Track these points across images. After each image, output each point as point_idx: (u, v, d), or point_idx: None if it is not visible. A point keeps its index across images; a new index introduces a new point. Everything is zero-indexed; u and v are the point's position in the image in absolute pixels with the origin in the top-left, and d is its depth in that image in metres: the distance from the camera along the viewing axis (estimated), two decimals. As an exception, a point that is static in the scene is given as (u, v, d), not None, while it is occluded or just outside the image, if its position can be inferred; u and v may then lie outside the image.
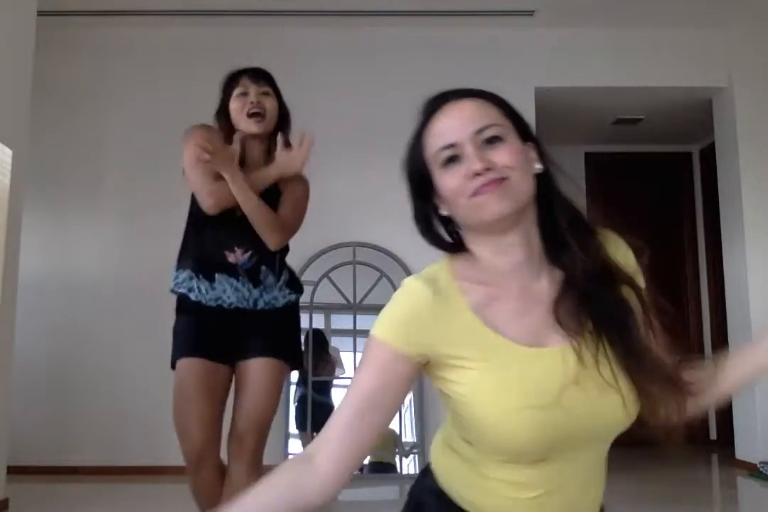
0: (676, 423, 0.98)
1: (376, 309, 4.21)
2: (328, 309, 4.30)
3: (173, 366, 2.04)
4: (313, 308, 4.20)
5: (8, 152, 3.12)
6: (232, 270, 2.03)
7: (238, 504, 0.96)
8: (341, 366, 4.25)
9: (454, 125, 1.00)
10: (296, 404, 4.10)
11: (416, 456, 4.06)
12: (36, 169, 3.93)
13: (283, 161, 2.13)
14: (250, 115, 2.10)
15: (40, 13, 3.52)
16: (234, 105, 2.12)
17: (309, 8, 4.31)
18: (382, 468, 4.13)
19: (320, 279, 4.21)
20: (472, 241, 1.05)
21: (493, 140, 0.99)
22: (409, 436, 4.10)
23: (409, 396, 4.09)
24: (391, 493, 3.93)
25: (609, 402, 0.96)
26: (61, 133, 4.41)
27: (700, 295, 5.57)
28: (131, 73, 4.51)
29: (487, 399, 0.97)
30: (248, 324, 2.04)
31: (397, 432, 4.11)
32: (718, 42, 4.53)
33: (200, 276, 2.03)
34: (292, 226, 2.14)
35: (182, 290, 2.07)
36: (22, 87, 3.37)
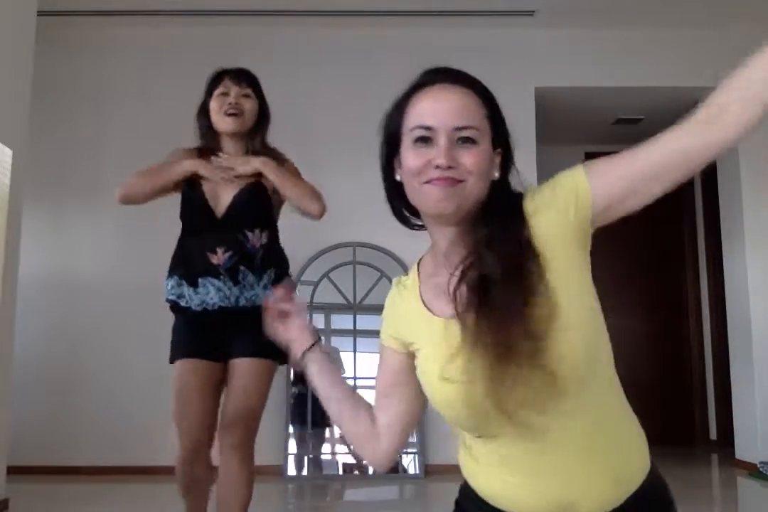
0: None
1: (376, 309, 4.22)
2: (328, 309, 4.30)
3: (171, 362, 2.16)
4: (313, 308, 4.20)
5: (8, 152, 3.12)
6: (215, 272, 2.10)
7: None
8: (341, 365, 4.25)
9: (438, 111, 1.03)
10: (292, 401, 4.10)
11: (416, 456, 4.06)
12: (36, 169, 3.93)
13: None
14: (228, 115, 2.18)
15: (40, 13, 3.52)
16: (214, 104, 2.20)
17: (309, 8, 4.31)
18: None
19: (320, 280, 4.21)
20: (425, 220, 1.11)
21: (466, 140, 1.02)
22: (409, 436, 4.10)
23: (409, 396, 4.09)
24: (392, 493, 3.93)
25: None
26: (61, 133, 4.41)
27: (700, 296, 5.57)
28: (131, 73, 4.51)
29: (425, 378, 1.07)
30: (234, 323, 2.12)
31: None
32: (717, 42, 4.53)
33: (186, 283, 2.13)
34: (318, 192, 2.23)
35: (172, 297, 2.18)
36: (22, 87, 3.37)
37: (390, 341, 1.16)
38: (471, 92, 1.05)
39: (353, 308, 4.19)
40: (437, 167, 1.00)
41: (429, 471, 4.03)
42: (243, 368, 2.09)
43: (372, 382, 4.68)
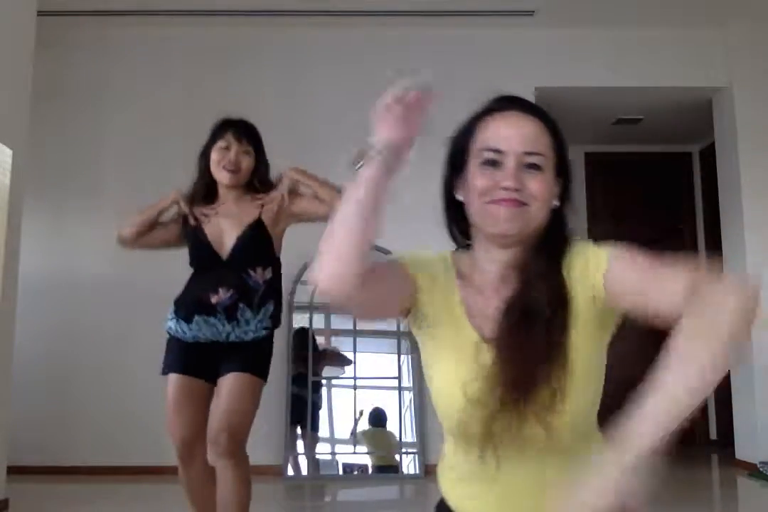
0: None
1: (376, 309, 4.22)
2: (328, 309, 4.29)
3: (164, 374, 2.35)
4: (313, 308, 4.20)
5: (8, 152, 3.12)
6: (210, 310, 2.24)
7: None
8: (340, 363, 4.25)
9: (510, 136, 1.08)
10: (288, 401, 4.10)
11: (416, 456, 4.06)
12: (36, 169, 3.92)
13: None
14: (226, 170, 2.33)
15: (40, 13, 3.51)
16: (215, 156, 2.35)
17: (309, 8, 4.31)
18: (384, 469, 4.14)
19: (320, 280, 4.20)
20: (477, 241, 1.14)
21: (533, 166, 1.07)
22: (409, 436, 4.10)
23: (409, 396, 4.10)
24: (391, 493, 3.93)
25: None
26: (61, 133, 4.41)
27: (700, 295, 5.56)
28: (131, 73, 4.51)
29: (440, 383, 1.10)
30: (222, 351, 2.28)
31: (397, 432, 4.11)
32: (717, 42, 4.54)
33: (179, 319, 2.30)
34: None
35: (166, 328, 2.37)
36: (22, 87, 3.37)
37: (412, 276, 1.12)
38: (540, 122, 1.10)
39: (353, 308, 4.18)
40: (504, 189, 1.05)
41: (429, 471, 4.02)
42: (229, 383, 2.21)
43: (372, 382, 4.67)
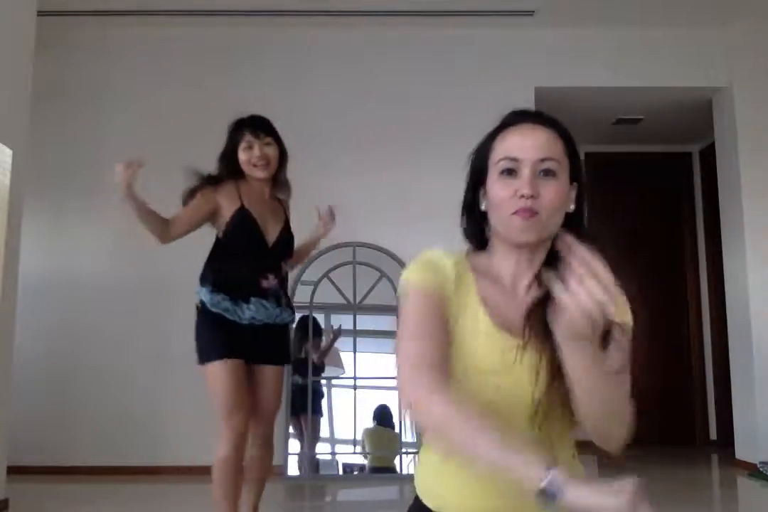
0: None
1: (376, 309, 4.23)
2: (328, 309, 4.30)
3: (202, 362, 2.42)
4: (313, 308, 4.20)
5: (8, 152, 3.12)
6: (264, 293, 2.45)
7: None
8: (339, 361, 4.25)
9: (526, 145, 1.14)
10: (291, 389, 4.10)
11: (416, 456, 4.06)
12: (36, 169, 3.92)
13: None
14: (256, 166, 2.51)
15: (40, 13, 3.52)
16: (242, 156, 2.51)
17: (309, 8, 4.31)
18: (383, 470, 4.14)
19: (320, 279, 4.21)
20: (496, 237, 1.21)
21: (548, 173, 1.13)
22: (409, 436, 4.10)
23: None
24: (391, 493, 3.93)
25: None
26: (61, 133, 4.41)
27: (700, 295, 5.57)
28: (131, 73, 4.51)
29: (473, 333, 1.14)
30: (266, 335, 2.49)
31: (397, 432, 4.11)
32: (717, 42, 4.54)
33: (238, 301, 2.42)
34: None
35: (217, 310, 2.42)
36: (22, 87, 3.37)
37: (447, 300, 1.15)
38: (553, 131, 1.17)
39: (353, 308, 4.19)
40: (522, 196, 1.11)
41: (429, 471, 4.02)
42: (273, 374, 2.53)
43: (372, 382, 4.66)
